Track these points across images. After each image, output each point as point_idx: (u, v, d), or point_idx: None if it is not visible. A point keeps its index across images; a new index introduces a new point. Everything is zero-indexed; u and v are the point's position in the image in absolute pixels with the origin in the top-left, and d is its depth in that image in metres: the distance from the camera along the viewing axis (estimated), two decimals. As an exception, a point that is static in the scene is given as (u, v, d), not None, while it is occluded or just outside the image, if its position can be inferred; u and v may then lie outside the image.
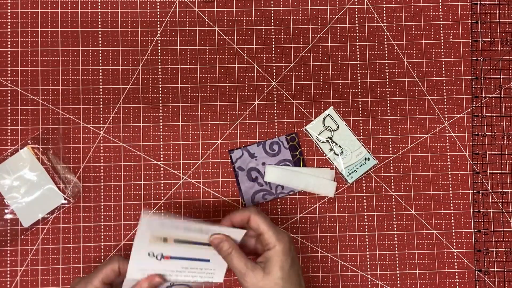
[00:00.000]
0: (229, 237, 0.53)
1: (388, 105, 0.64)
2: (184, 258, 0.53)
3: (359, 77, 0.64)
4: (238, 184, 0.62)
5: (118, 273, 0.53)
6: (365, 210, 0.63)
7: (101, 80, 0.63)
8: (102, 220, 0.61)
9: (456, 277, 0.62)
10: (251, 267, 0.51)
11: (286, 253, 0.52)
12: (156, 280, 0.52)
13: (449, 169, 0.63)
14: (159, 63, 0.63)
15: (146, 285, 0.52)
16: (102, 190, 0.62)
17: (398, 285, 0.62)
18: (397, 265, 0.62)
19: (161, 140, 0.62)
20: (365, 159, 0.63)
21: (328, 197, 0.62)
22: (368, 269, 0.62)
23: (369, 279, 0.62)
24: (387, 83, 0.64)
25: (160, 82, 0.63)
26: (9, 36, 0.62)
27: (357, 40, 0.64)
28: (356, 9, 0.65)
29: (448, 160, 0.63)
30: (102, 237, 0.61)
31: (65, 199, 0.61)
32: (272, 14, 0.64)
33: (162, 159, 0.62)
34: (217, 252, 0.53)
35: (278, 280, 0.51)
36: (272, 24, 0.64)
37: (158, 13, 0.64)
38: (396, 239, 0.63)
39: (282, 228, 0.62)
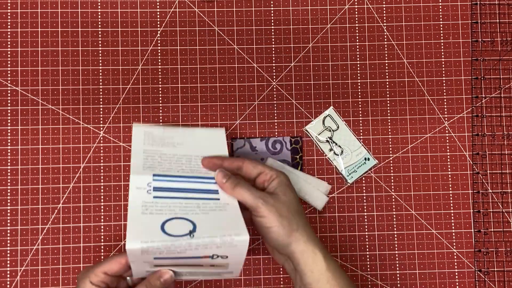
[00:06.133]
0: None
1: (388, 105, 0.64)
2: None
3: (359, 77, 0.64)
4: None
5: (124, 267, 0.51)
6: (365, 210, 0.63)
7: (101, 80, 0.63)
8: (102, 220, 0.61)
9: (456, 277, 0.62)
10: (265, 193, 0.53)
11: (288, 179, 0.55)
12: (167, 276, 0.51)
13: (449, 169, 0.63)
14: (159, 63, 0.63)
15: (158, 283, 0.51)
16: (102, 190, 0.62)
17: (398, 285, 0.62)
18: (397, 265, 0.62)
19: (161, 140, 0.62)
20: (365, 159, 0.63)
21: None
22: (368, 269, 0.62)
23: (369, 279, 0.62)
24: (387, 83, 0.64)
25: (160, 82, 0.63)
26: (9, 36, 0.62)
27: (357, 40, 0.64)
28: (356, 9, 0.65)
29: (448, 160, 0.63)
30: (102, 237, 0.61)
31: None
32: (272, 14, 0.64)
33: (162, 159, 0.62)
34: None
35: (293, 199, 0.54)
36: (272, 24, 0.64)
37: (158, 13, 0.64)
38: (396, 239, 0.63)
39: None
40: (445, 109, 0.64)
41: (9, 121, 0.62)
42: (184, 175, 0.55)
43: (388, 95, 0.64)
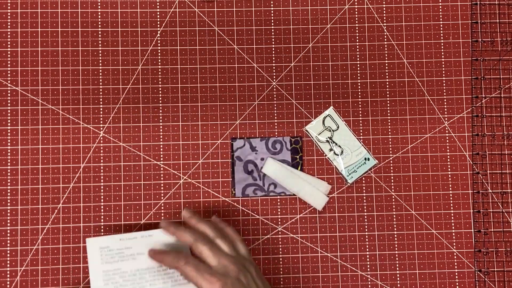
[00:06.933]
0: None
1: (388, 105, 0.64)
2: None
3: (359, 77, 0.64)
4: (233, 173, 0.62)
5: None
6: (365, 210, 0.63)
7: (101, 80, 0.63)
8: (102, 220, 0.61)
9: (456, 277, 0.62)
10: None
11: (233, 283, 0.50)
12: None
13: (449, 169, 0.63)
14: (159, 63, 0.63)
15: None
16: (102, 190, 0.62)
17: (398, 285, 0.62)
18: (397, 265, 0.62)
19: (161, 140, 0.62)
20: (365, 159, 0.63)
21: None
22: (368, 269, 0.62)
23: (369, 279, 0.62)
24: (387, 83, 0.64)
25: (160, 82, 0.63)
26: (9, 36, 0.62)
27: (357, 40, 0.64)
28: (356, 9, 0.65)
29: (448, 160, 0.63)
30: (102, 237, 0.61)
31: None
32: (272, 14, 0.64)
33: (162, 159, 0.62)
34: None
35: None
36: (272, 24, 0.64)
37: (158, 13, 0.64)
38: (396, 239, 0.63)
39: (281, 228, 0.62)
40: (445, 109, 0.64)
41: (9, 121, 0.62)
42: None
43: (388, 95, 0.64)
